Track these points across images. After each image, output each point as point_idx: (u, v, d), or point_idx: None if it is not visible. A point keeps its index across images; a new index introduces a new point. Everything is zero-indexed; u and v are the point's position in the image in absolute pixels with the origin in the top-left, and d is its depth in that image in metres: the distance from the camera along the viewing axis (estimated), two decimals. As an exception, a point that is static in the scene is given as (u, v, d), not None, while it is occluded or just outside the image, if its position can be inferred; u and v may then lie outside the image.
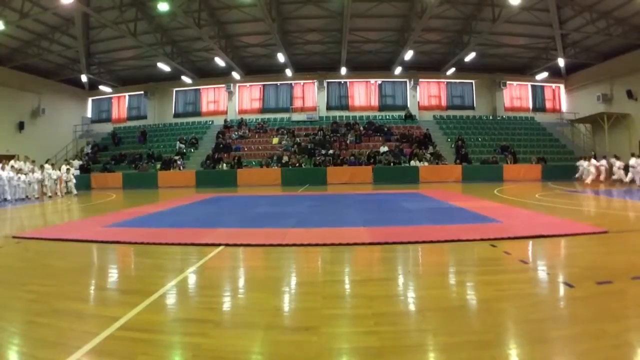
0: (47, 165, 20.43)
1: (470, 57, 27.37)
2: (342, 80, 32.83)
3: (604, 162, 22.24)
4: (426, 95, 33.47)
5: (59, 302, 4.03)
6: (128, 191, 22.87)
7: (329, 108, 33.07)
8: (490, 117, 32.66)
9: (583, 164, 22.93)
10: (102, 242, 7.14)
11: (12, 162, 19.30)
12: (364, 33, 26.62)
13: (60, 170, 20.83)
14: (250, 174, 25.75)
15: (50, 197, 19.33)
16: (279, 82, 33.22)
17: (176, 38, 27.21)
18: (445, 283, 4.81)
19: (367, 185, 22.48)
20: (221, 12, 24.25)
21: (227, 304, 4.15)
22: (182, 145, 29.67)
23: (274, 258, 6.08)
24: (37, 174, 19.43)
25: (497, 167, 25.18)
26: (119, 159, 28.88)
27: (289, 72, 30.99)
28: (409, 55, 27.26)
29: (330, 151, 27.74)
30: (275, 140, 29.79)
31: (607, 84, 27.28)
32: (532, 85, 33.21)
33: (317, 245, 6.55)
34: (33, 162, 20.56)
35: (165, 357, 2.99)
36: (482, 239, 6.61)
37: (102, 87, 31.78)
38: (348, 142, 28.96)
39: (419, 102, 32.85)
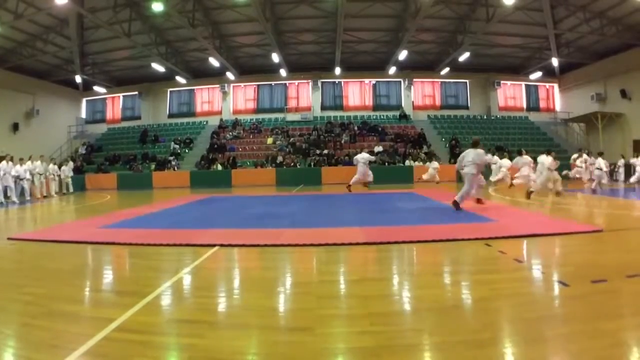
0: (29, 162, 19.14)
1: (464, 56, 27.45)
2: (337, 80, 32.87)
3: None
4: (420, 95, 33.59)
5: (54, 304, 4.00)
6: (123, 192, 22.81)
7: (323, 108, 33.12)
8: (485, 117, 32.79)
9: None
10: (96, 243, 7.11)
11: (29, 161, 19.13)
12: (358, 33, 26.66)
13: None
14: (245, 174, 25.74)
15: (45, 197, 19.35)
16: (273, 82, 33.24)
17: (170, 38, 27.16)
18: (440, 282, 4.81)
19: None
20: (215, 12, 24.24)
21: (222, 305, 4.15)
22: (177, 146, 29.60)
23: (268, 258, 6.08)
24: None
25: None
26: (113, 159, 28.79)
27: (283, 72, 30.96)
28: (403, 55, 27.32)
29: (325, 151, 27.76)
30: (269, 141, 29.80)
31: (601, 84, 27.42)
32: (526, 85, 33.37)
33: (312, 245, 6.55)
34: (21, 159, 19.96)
35: (161, 358, 2.98)
36: (476, 238, 6.62)
37: (96, 88, 31.58)
38: (342, 142, 28.99)
39: (413, 102, 32.95)
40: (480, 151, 10.50)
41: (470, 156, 10.33)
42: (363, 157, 17.55)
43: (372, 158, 18.55)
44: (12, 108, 26.64)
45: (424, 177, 21.94)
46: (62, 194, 21.25)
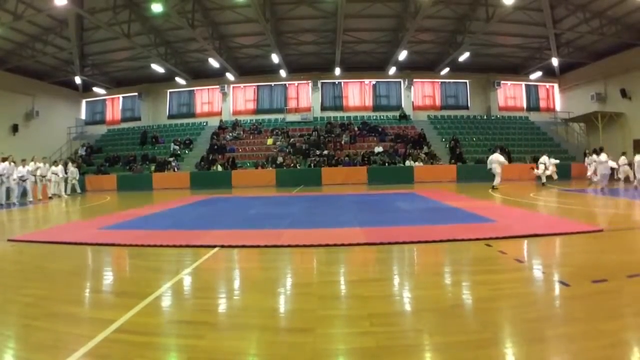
0: (32, 163, 19.38)
1: (464, 57, 27.40)
2: (337, 81, 32.80)
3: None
4: (420, 95, 33.53)
5: (55, 305, 4.01)
6: (122, 193, 22.81)
7: (323, 109, 33.06)
8: (485, 117, 32.73)
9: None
10: (97, 244, 7.11)
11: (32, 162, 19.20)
12: (358, 33, 26.62)
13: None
14: (245, 175, 25.71)
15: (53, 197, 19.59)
16: (273, 83, 33.16)
17: (170, 39, 27.12)
18: (440, 283, 4.81)
19: (361, 186, 22.49)
20: (215, 13, 24.21)
21: (222, 306, 4.15)
22: (177, 147, 29.59)
23: (269, 259, 6.07)
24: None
25: (492, 167, 25.20)
26: (113, 160, 28.80)
27: (283, 73, 30.90)
28: (403, 55, 27.28)
29: (325, 152, 27.74)
30: (269, 141, 29.77)
31: (601, 83, 27.39)
32: (526, 85, 33.30)
33: (312, 246, 6.55)
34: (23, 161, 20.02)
35: (161, 359, 2.98)
36: (477, 239, 6.62)
37: (95, 89, 31.52)
38: (343, 142, 28.97)
39: (413, 102, 32.88)
40: None
41: None
42: (498, 159, 18.21)
43: (505, 162, 19.04)
44: (12, 109, 26.59)
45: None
46: (75, 195, 21.81)
